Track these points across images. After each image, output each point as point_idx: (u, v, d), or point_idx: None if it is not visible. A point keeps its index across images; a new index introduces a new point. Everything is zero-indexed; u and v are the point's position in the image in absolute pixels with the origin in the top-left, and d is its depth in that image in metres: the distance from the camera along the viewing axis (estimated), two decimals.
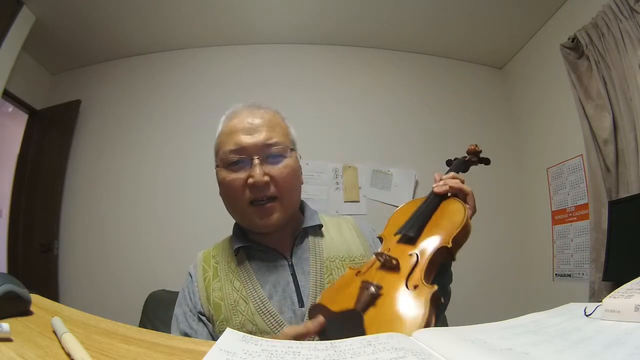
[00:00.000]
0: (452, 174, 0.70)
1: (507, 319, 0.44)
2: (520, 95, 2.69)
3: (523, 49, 2.64)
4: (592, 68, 1.91)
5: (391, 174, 2.57)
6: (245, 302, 0.69)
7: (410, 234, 0.59)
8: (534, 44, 2.54)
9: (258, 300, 0.68)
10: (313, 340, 0.49)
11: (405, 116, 2.71)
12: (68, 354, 0.35)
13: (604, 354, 0.30)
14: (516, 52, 2.70)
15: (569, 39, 2.06)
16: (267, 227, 0.72)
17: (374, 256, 0.58)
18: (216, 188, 0.74)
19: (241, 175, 0.70)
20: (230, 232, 0.83)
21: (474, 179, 0.81)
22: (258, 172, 0.68)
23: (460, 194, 0.66)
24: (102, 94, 2.80)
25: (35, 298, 0.54)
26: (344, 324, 0.49)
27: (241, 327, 0.66)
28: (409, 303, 0.46)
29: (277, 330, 0.65)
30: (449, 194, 0.67)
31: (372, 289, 0.49)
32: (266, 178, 0.69)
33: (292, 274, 0.72)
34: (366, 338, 0.37)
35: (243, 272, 0.73)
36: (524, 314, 0.44)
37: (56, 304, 0.58)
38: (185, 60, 2.79)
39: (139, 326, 1.38)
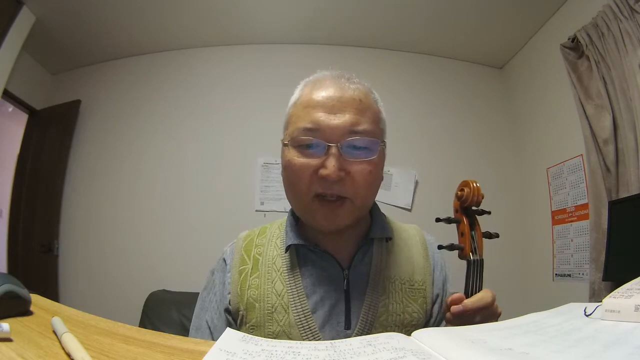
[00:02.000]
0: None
1: (507, 319, 0.44)
2: (520, 95, 2.69)
3: (523, 49, 2.64)
4: (592, 68, 1.91)
5: (391, 174, 2.57)
6: (285, 311, 0.60)
7: None
8: (534, 44, 2.54)
9: (300, 312, 0.60)
10: None
11: (405, 116, 2.71)
12: (68, 354, 0.35)
13: (604, 354, 0.30)
14: (516, 52, 2.70)
15: (569, 39, 2.06)
16: (329, 228, 0.61)
17: None
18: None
19: (312, 161, 0.57)
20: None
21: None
22: (333, 164, 0.56)
23: None
24: (102, 94, 2.80)
25: (35, 298, 0.54)
26: None
27: (274, 338, 0.59)
28: None
29: None
30: None
31: None
32: (341, 173, 0.56)
33: (345, 290, 0.62)
34: (366, 338, 0.37)
35: (289, 275, 0.63)
36: (524, 314, 0.44)
37: (56, 304, 0.58)
38: (185, 60, 2.78)
39: (139, 326, 1.38)
